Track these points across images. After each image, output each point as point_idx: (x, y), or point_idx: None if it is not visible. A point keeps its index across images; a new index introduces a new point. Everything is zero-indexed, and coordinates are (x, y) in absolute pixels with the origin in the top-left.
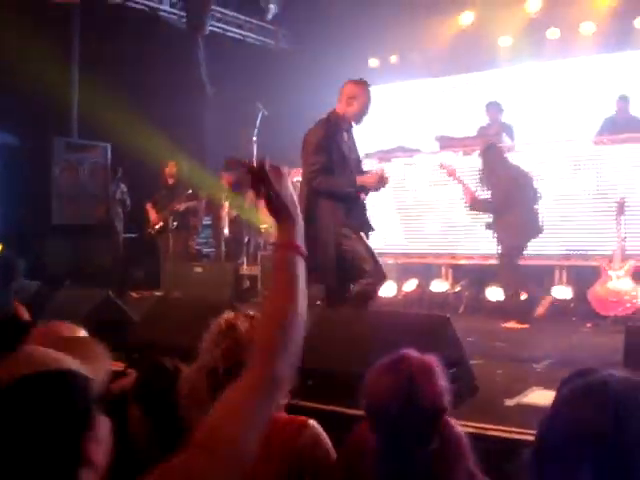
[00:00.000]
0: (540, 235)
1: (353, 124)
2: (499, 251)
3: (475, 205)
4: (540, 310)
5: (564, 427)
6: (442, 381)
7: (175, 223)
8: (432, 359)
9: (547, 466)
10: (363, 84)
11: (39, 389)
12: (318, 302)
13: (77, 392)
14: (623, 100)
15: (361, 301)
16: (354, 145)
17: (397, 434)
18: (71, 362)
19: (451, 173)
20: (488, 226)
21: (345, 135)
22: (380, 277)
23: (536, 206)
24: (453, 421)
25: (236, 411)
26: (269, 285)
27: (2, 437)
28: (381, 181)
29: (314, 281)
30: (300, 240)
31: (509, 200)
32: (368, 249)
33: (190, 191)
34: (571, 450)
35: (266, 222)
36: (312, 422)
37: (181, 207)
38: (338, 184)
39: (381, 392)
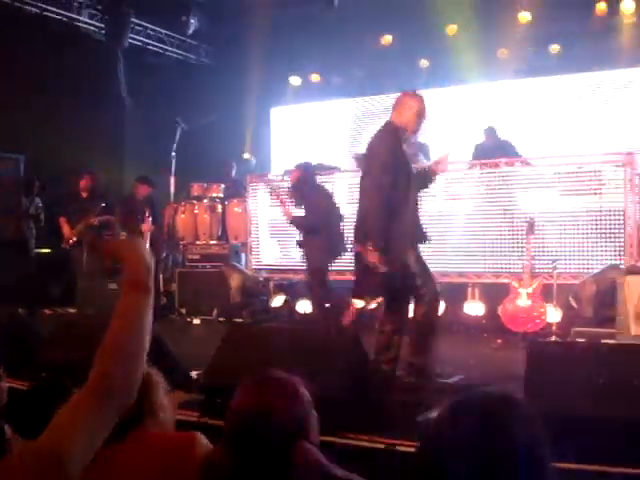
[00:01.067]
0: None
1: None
2: (307, 268)
3: (292, 222)
4: (346, 320)
5: (439, 443)
6: (302, 405)
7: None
8: (296, 380)
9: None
10: (416, 95)
11: None
12: None
13: None
14: (489, 131)
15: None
16: (411, 156)
17: (252, 457)
18: None
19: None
20: (298, 243)
21: (405, 148)
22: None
23: (340, 228)
24: (309, 446)
25: (71, 414)
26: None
27: None
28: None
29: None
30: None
31: (318, 222)
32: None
33: (104, 204)
34: (446, 464)
35: (185, 238)
36: (199, 434)
37: (96, 221)
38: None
39: (238, 413)
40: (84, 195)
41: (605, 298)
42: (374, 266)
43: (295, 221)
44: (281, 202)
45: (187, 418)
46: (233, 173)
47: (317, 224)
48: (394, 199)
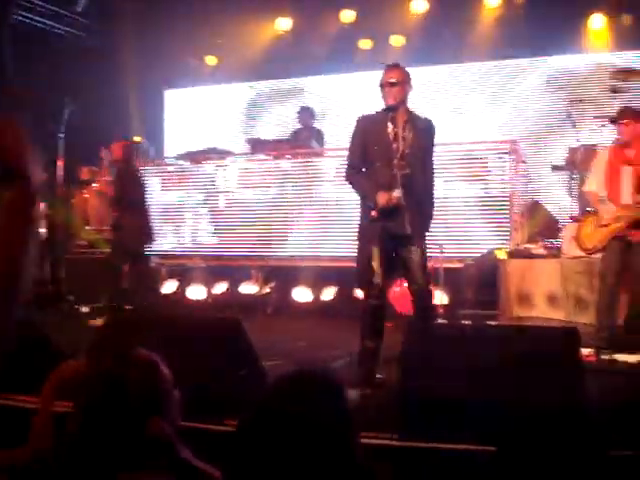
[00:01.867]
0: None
1: (401, 110)
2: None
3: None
4: None
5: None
6: (160, 381)
7: None
8: (156, 357)
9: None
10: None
11: None
12: None
13: None
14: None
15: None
16: (407, 134)
17: (102, 426)
18: None
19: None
20: (115, 225)
21: (390, 125)
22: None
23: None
24: (162, 423)
25: None
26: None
27: None
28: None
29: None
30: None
31: (138, 199)
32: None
33: None
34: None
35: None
36: None
37: None
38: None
39: (94, 383)
40: None
41: (487, 281)
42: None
43: (115, 197)
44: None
45: (64, 409)
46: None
47: (137, 201)
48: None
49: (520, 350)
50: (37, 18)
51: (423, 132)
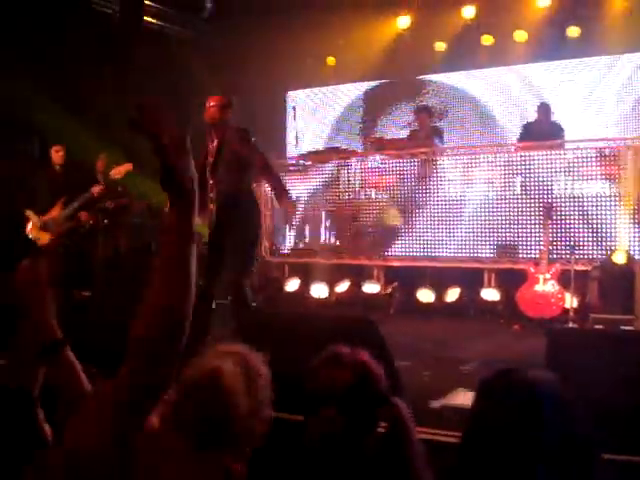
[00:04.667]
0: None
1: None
2: None
3: None
4: None
5: (489, 427)
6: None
7: (106, 221)
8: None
9: (475, 466)
10: None
11: None
12: None
13: None
14: (544, 107)
15: None
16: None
17: (358, 415)
18: None
19: None
20: None
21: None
22: None
23: None
24: (400, 402)
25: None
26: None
27: None
28: None
29: None
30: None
31: None
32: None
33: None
34: (497, 449)
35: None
36: None
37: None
38: None
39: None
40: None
41: (615, 284)
42: None
43: None
44: None
45: None
46: None
47: None
48: None
49: None
50: (164, 24)
51: (227, 143)
